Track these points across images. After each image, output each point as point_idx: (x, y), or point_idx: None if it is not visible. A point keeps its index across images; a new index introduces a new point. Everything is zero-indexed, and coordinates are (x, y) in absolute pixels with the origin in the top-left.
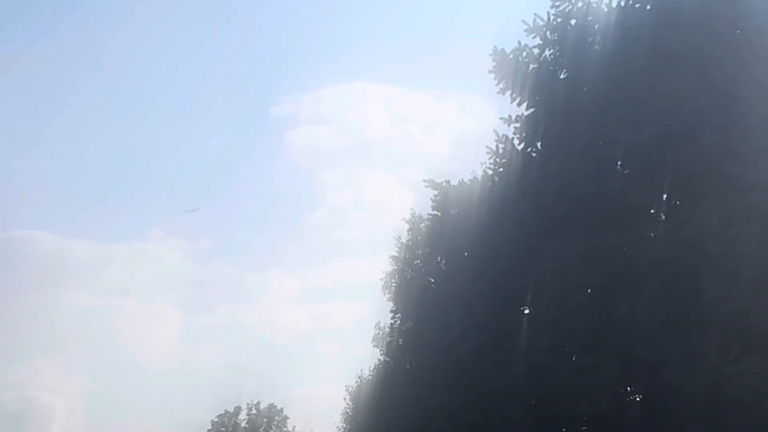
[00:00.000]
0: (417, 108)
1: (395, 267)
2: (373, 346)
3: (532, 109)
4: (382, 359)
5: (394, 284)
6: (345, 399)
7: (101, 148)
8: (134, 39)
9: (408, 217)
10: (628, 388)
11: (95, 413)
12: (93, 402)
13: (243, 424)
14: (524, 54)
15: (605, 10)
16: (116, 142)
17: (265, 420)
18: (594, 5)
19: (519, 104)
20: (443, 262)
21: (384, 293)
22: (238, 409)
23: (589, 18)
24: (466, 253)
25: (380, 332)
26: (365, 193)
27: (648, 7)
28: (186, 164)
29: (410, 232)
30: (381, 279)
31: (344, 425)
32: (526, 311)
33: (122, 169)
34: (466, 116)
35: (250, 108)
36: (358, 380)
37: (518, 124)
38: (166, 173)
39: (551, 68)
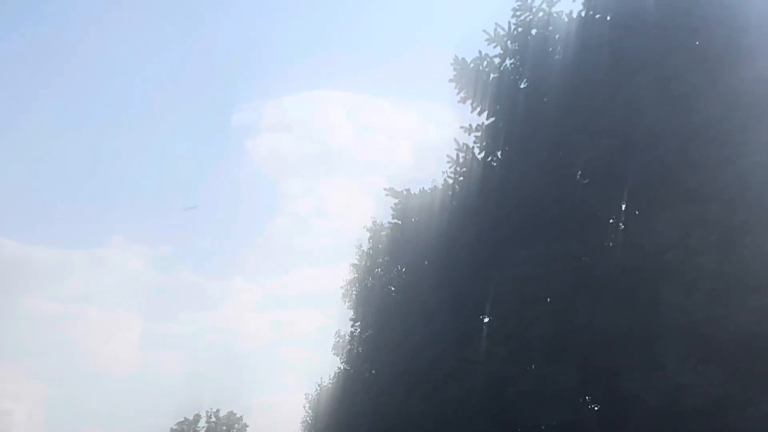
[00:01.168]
0: (380, 116)
1: (356, 275)
2: (334, 354)
3: (492, 119)
4: (342, 367)
5: (354, 292)
6: (305, 407)
7: (62, 153)
8: (97, 46)
9: (369, 225)
10: (587, 397)
11: (55, 420)
12: (53, 408)
13: None
14: (485, 63)
15: (566, 20)
16: (78, 148)
17: (224, 428)
18: (555, 16)
19: (480, 113)
20: (404, 270)
21: (345, 301)
22: (197, 417)
23: (550, 28)
24: (426, 262)
25: (340, 340)
26: (327, 201)
27: (608, 18)
28: (148, 171)
29: (371, 241)
30: (342, 287)
31: None
32: (486, 320)
33: (83, 175)
34: (428, 125)
35: (212, 115)
36: (318, 388)
37: (479, 133)
38: (127, 179)
39: (512, 78)
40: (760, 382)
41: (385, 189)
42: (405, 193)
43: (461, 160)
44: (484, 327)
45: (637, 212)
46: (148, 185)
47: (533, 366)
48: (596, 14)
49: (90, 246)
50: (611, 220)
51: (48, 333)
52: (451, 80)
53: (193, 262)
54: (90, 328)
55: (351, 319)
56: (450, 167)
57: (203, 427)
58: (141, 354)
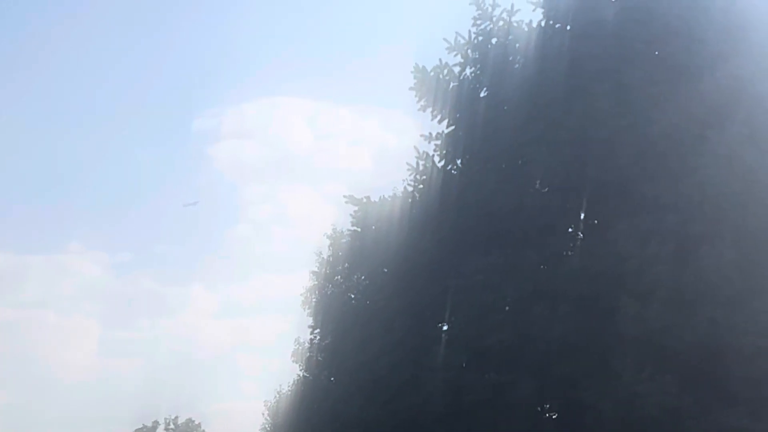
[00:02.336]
0: (340, 123)
1: (316, 282)
2: (293, 361)
3: (452, 127)
4: (301, 374)
5: (314, 300)
6: (264, 414)
7: (20, 157)
8: (56, 48)
9: (329, 232)
10: (545, 406)
11: (11, 426)
12: (9, 415)
13: None
14: (445, 72)
15: (526, 30)
16: (36, 152)
17: None
18: (515, 25)
19: (440, 121)
20: (363, 278)
21: (304, 309)
22: (155, 424)
23: (510, 37)
24: (385, 269)
25: (300, 348)
26: (288, 208)
27: (568, 28)
28: (107, 176)
29: (331, 248)
30: (302, 294)
31: None
32: (445, 327)
33: (41, 180)
34: (389, 132)
35: (172, 121)
36: (277, 395)
37: (439, 142)
38: (86, 185)
39: (472, 86)
40: (715, 392)
41: (344, 196)
42: (365, 200)
43: (421, 168)
44: (443, 335)
45: (595, 222)
46: (108, 191)
47: (491, 374)
48: (556, 24)
49: (48, 251)
50: (569, 230)
51: (4, 339)
52: (411, 88)
53: (152, 269)
54: (48, 334)
55: (310, 327)
56: (410, 175)
57: None
58: (99, 360)
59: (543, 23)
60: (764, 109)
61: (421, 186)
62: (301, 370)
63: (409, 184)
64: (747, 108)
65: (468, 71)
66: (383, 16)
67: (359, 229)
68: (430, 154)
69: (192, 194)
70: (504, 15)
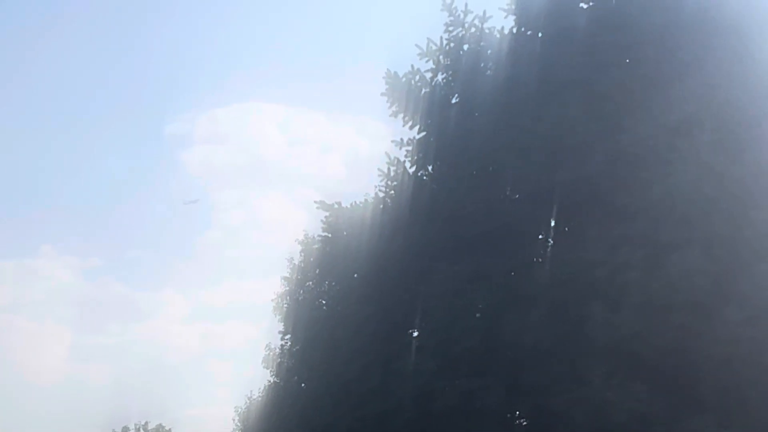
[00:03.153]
0: (312, 129)
1: (287, 288)
2: (264, 367)
3: (423, 133)
4: (272, 380)
5: (285, 305)
6: (234, 420)
7: None
8: (28, 52)
9: (301, 238)
10: (515, 412)
11: None
12: None
13: None
14: (417, 78)
15: (498, 36)
16: (8, 157)
17: None
18: (487, 31)
19: (411, 127)
20: (334, 284)
21: (275, 314)
22: (125, 429)
23: (482, 44)
24: (356, 275)
25: (271, 353)
26: (260, 214)
27: (539, 35)
28: (79, 181)
29: (302, 254)
30: (273, 300)
31: None
32: (415, 334)
33: (12, 185)
34: (361, 138)
35: (144, 126)
36: (248, 401)
37: (410, 147)
38: (58, 189)
39: (443, 92)
40: (685, 399)
41: (316, 202)
42: (336, 206)
43: (392, 174)
44: (413, 341)
45: (565, 228)
46: (79, 195)
47: (461, 381)
48: (527, 31)
49: (19, 256)
50: (540, 236)
51: None
52: (383, 94)
53: (124, 274)
54: (18, 338)
55: (280, 332)
56: (381, 181)
57: None
58: (69, 365)
59: (515, 30)
60: (734, 117)
61: (393, 192)
62: (271, 376)
63: (380, 190)
64: (717, 116)
65: (440, 77)
66: (356, 23)
67: (330, 235)
68: (402, 159)
69: (164, 199)
70: (476, 21)
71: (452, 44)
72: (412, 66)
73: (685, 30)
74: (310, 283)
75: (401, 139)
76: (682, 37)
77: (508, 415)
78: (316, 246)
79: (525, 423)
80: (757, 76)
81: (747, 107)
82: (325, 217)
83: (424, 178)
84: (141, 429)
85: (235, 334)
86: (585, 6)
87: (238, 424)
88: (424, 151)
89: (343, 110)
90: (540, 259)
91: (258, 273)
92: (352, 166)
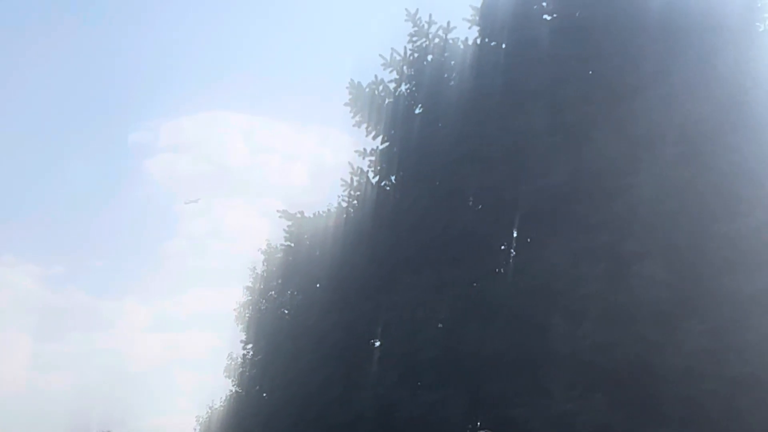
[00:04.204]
0: (277, 138)
1: (250, 298)
2: (226, 376)
3: (387, 143)
4: (234, 390)
5: (248, 315)
6: (195, 430)
7: None
8: None
9: (264, 247)
10: (476, 423)
11: None
12: None
13: None
14: (380, 88)
15: (461, 47)
16: None
17: None
18: (450, 42)
19: (375, 138)
20: (296, 293)
21: (238, 324)
22: None
23: (446, 54)
24: (318, 285)
25: (233, 363)
26: (223, 223)
27: (503, 46)
28: (41, 188)
29: (265, 263)
30: (235, 309)
31: None
32: (377, 344)
33: None
34: (325, 148)
35: (107, 134)
36: (210, 411)
37: (373, 158)
38: (20, 197)
39: (407, 103)
40: (645, 410)
41: (278, 211)
42: (299, 215)
43: (355, 184)
44: (375, 351)
45: (528, 239)
46: (42, 203)
47: (422, 391)
48: (491, 42)
49: None
50: (502, 247)
51: None
52: (346, 104)
53: (86, 282)
54: None
55: (242, 342)
56: (344, 191)
57: None
58: (30, 373)
59: (478, 41)
60: (697, 129)
61: (356, 202)
62: (233, 386)
63: (343, 200)
64: (680, 128)
65: (403, 88)
66: (320, 33)
67: (293, 245)
68: (365, 170)
69: (128, 207)
70: (440, 32)
71: (416, 54)
72: (376, 76)
73: (648, 42)
74: (273, 292)
75: (365, 149)
76: (645, 49)
77: (470, 426)
78: (279, 256)
79: None
80: (720, 89)
81: (709, 120)
82: (288, 226)
83: (387, 188)
84: None
85: (197, 343)
86: (548, 18)
87: None
88: (387, 161)
89: (308, 120)
90: (502, 270)
91: (221, 282)
92: (316, 176)
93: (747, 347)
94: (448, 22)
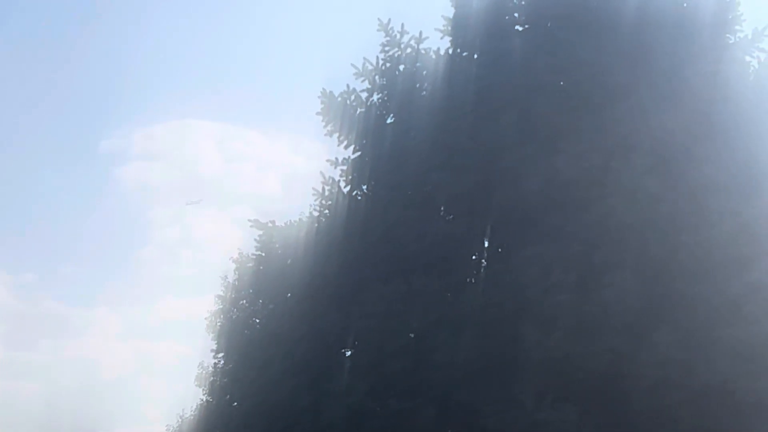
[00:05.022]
0: (249, 147)
1: (221, 307)
2: (196, 385)
3: (359, 153)
4: (204, 399)
5: (219, 324)
6: None
7: None
8: None
9: (235, 256)
10: None
11: None
12: None
13: None
14: (353, 97)
15: (433, 57)
16: None
17: None
18: (423, 52)
19: (346, 147)
20: (267, 303)
21: (209, 332)
22: None
23: (418, 64)
24: (289, 294)
25: (203, 372)
26: (195, 231)
27: (475, 56)
28: (11, 196)
29: (237, 272)
30: (206, 318)
31: None
32: (347, 353)
33: None
34: (297, 157)
35: (79, 141)
36: (180, 420)
37: (345, 167)
38: None
39: (379, 112)
40: (615, 421)
41: (249, 220)
42: (270, 225)
43: (327, 193)
44: (346, 361)
45: (499, 250)
46: (12, 211)
47: (393, 401)
48: (463, 52)
49: None
50: (473, 257)
51: None
52: (318, 113)
53: (57, 290)
54: None
55: (212, 351)
56: (315, 200)
57: None
58: (0, 382)
59: (450, 51)
60: (667, 140)
61: (327, 211)
62: (204, 395)
63: (314, 210)
64: (651, 139)
65: (375, 97)
66: (293, 41)
67: (264, 254)
68: (336, 179)
69: (100, 216)
70: (412, 42)
71: (388, 64)
72: (348, 86)
73: (619, 54)
74: (244, 301)
75: (336, 159)
76: (616, 60)
77: None
78: (250, 265)
79: None
80: (690, 101)
81: (680, 131)
82: (259, 235)
83: (359, 197)
84: None
85: (168, 352)
86: (520, 28)
87: None
88: (358, 171)
89: (280, 129)
90: (473, 280)
91: (193, 291)
92: (288, 185)
93: (717, 357)
94: (421, 32)
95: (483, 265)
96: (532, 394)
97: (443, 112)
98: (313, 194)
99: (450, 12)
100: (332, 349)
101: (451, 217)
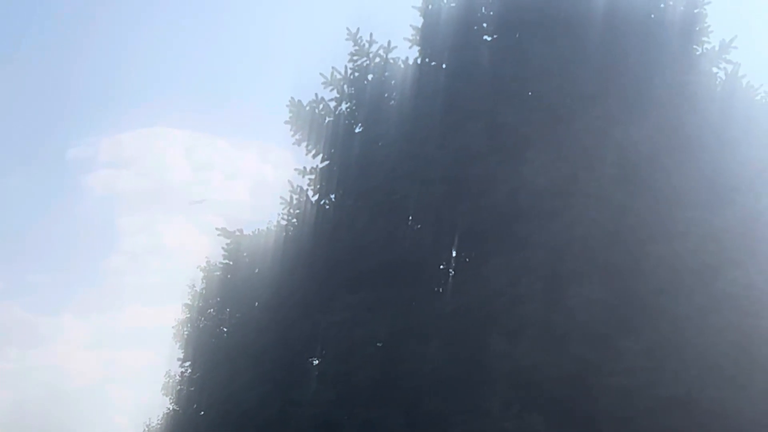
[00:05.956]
0: (218, 155)
1: (189, 315)
2: (163, 394)
3: (327, 162)
4: (171, 408)
5: (186, 332)
6: None
7: None
8: None
9: (203, 265)
10: None
11: None
12: None
13: None
14: (321, 106)
15: (402, 66)
16: None
17: None
18: (391, 62)
19: (314, 156)
20: (235, 312)
21: (176, 341)
22: None
23: (386, 74)
24: (257, 303)
25: (170, 381)
26: (163, 239)
27: (443, 66)
28: None
29: (204, 281)
30: (174, 327)
31: None
32: (315, 362)
33: None
34: (266, 165)
35: (46, 149)
36: (146, 429)
37: (313, 176)
38: None
39: (347, 122)
40: (581, 429)
41: (217, 229)
42: (237, 233)
43: (295, 202)
44: (313, 370)
45: (466, 259)
46: None
47: (360, 410)
48: (432, 62)
49: None
50: (441, 266)
51: None
52: (286, 122)
53: (24, 298)
54: None
55: (179, 359)
56: (283, 209)
57: None
58: None
59: (419, 61)
60: (634, 150)
61: (295, 220)
62: (171, 404)
63: (282, 218)
64: (618, 149)
65: (343, 106)
66: (262, 50)
67: (231, 263)
68: (305, 188)
69: (67, 223)
70: (380, 51)
71: (357, 74)
72: (316, 95)
73: (586, 64)
74: (212, 310)
75: (304, 168)
76: (583, 71)
77: None
78: (218, 273)
79: None
80: (657, 112)
81: (647, 142)
82: (227, 244)
83: (327, 206)
84: None
85: (136, 360)
86: (488, 38)
87: None
88: (326, 180)
89: (249, 137)
90: (441, 289)
91: (161, 299)
92: (256, 193)
93: (682, 367)
94: (389, 42)
95: (450, 274)
96: (499, 403)
97: (411, 121)
98: (281, 203)
99: (419, 22)
100: (300, 358)
101: (419, 226)
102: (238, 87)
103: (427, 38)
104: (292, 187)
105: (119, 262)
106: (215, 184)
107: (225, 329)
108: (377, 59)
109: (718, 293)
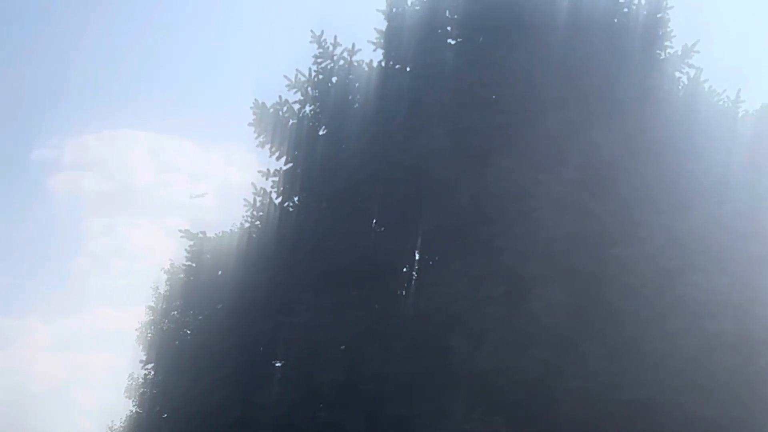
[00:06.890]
0: (183, 157)
1: (152, 317)
2: (126, 397)
3: (290, 164)
4: (134, 410)
5: (150, 335)
6: None
7: None
8: None
9: (167, 267)
10: None
11: None
12: None
13: None
14: (285, 109)
15: (366, 69)
16: None
17: None
18: (355, 64)
19: (278, 158)
20: (198, 314)
21: (140, 344)
22: None
23: (350, 76)
24: (219, 306)
25: (134, 383)
26: (128, 241)
27: (408, 69)
28: None
29: (168, 283)
30: (137, 329)
31: None
32: (278, 365)
33: None
34: (231, 167)
35: (9, 150)
36: (109, 431)
37: (277, 178)
38: None
39: (311, 124)
40: None
41: (180, 231)
42: (200, 235)
43: (258, 204)
44: (276, 372)
45: (429, 262)
46: None
47: (322, 413)
48: (396, 65)
49: None
50: (404, 269)
51: None
52: (250, 124)
53: None
54: None
55: (141, 362)
56: (247, 211)
57: None
58: None
59: (383, 64)
60: (597, 154)
61: (258, 222)
62: (134, 406)
63: (246, 221)
64: (580, 153)
65: (307, 109)
66: (226, 52)
67: (194, 265)
68: (268, 190)
69: (31, 225)
70: (345, 54)
71: (321, 76)
72: (280, 97)
73: (550, 68)
74: (175, 312)
75: (268, 170)
76: (547, 75)
77: None
78: (181, 275)
79: None
80: (620, 116)
81: (609, 146)
82: (190, 246)
83: (290, 209)
84: None
85: (99, 362)
86: (453, 42)
87: None
88: (290, 182)
89: (214, 139)
90: (404, 292)
91: (124, 301)
92: (221, 195)
93: (644, 371)
94: (353, 45)
95: (413, 277)
96: (462, 406)
97: (375, 124)
98: (245, 205)
99: (383, 25)
100: (263, 360)
101: (382, 229)
102: (204, 89)
103: (391, 41)
104: (256, 189)
105: (83, 265)
106: (180, 185)
107: (188, 331)
108: (341, 62)
109: (680, 297)
